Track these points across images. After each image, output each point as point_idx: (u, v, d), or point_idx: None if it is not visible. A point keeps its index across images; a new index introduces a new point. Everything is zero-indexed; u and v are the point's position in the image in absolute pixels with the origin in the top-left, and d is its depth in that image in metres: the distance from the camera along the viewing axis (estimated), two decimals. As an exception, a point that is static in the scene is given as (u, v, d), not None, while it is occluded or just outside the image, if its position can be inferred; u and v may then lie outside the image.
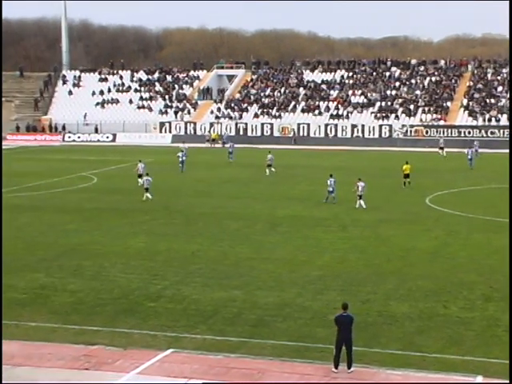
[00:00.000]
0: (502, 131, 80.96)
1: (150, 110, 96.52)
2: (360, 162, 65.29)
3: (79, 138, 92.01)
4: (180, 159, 58.50)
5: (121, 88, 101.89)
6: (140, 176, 47.75)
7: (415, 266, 27.64)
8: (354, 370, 17.68)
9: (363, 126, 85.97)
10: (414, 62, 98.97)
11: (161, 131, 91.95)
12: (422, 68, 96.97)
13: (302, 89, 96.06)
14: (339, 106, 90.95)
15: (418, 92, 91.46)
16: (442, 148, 71.67)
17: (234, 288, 24.62)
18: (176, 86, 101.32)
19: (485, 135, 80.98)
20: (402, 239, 32.39)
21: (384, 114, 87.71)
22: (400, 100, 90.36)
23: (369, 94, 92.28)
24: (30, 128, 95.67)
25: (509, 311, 21.72)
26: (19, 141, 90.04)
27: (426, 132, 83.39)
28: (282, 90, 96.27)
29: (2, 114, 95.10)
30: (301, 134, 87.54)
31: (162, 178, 54.02)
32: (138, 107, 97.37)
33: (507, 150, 72.29)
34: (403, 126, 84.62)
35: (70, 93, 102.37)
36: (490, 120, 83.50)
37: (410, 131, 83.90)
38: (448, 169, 58.12)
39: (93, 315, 21.89)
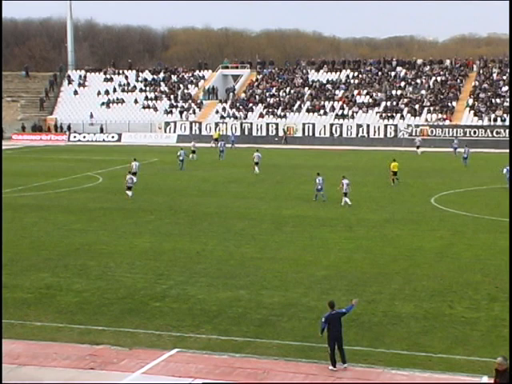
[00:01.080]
0: (507, 131, 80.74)
1: (156, 109, 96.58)
2: (365, 162, 65.26)
3: (84, 137, 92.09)
4: (180, 158, 59.07)
5: (126, 88, 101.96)
6: (135, 174, 48.70)
7: (421, 266, 27.61)
8: (349, 364, 17.88)
9: (368, 125, 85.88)
10: (419, 61, 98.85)
11: (166, 131, 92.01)
12: (427, 68, 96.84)
13: (307, 89, 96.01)
14: (344, 105, 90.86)
15: (423, 92, 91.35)
16: (418, 147, 73.93)
17: (239, 288, 24.62)
18: (181, 85, 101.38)
19: (490, 135, 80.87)
20: (408, 239, 32.37)
21: (389, 114, 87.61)
22: (405, 100, 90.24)
23: (374, 94, 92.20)
24: (36, 128, 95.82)
25: (509, 311, 21.69)
26: (25, 140, 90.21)
27: (432, 132, 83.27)
28: (287, 90, 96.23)
29: (8, 114, 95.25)
30: (306, 133, 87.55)
31: (167, 177, 54.14)
32: (144, 107, 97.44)
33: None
34: (408, 125, 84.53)
35: (76, 93, 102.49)
36: (495, 120, 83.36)
37: (416, 131, 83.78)
38: (453, 169, 58.09)
39: (98, 315, 21.92)
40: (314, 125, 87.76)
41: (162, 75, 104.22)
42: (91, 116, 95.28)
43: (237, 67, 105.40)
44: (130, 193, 43.65)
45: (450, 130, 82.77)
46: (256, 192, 46.75)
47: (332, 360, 17.87)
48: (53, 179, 52.77)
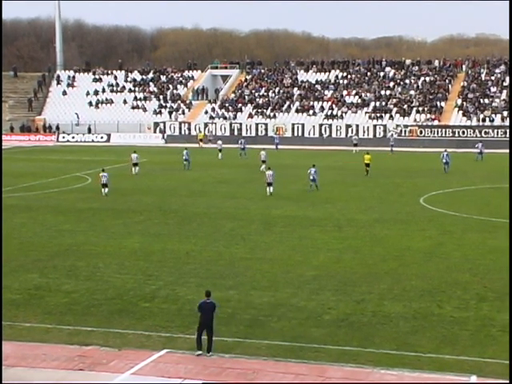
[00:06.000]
0: (496, 131, 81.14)
1: (145, 110, 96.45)
2: (354, 162, 65.26)
3: (73, 138, 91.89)
4: (184, 157, 59.64)
5: (115, 88, 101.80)
6: (135, 165, 55.05)
7: (410, 265, 27.66)
8: (213, 354, 18.55)
9: (357, 126, 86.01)
10: (408, 62, 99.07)
11: (155, 131, 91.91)
12: (416, 68, 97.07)
13: (296, 89, 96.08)
14: (333, 106, 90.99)
15: (412, 92, 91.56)
16: (355, 145, 76.64)
17: (228, 288, 24.61)
18: (170, 86, 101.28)
19: (479, 135, 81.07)
20: (397, 239, 32.42)
21: (378, 114, 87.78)
22: (394, 100, 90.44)
23: (363, 94, 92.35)
24: (24, 128, 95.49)
25: (509, 312, 21.73)
26: (13, 141, 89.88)
27: (420, 132, 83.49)
28: (277, 90, 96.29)
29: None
30: (295, 134, 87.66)
31: (156, 177, 54.08)
32: (133, 107, 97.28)
33: (501, 150, 72.56)
34: (397, 126, 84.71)
35: (64, 93, 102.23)
36: (484, 120, 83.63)
37: (405, 131, 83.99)
38: (442, 169, 58.12)
39: (87, 316, 21.87)
40: (303, 125, 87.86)
41: (151, 75, 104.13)
42: (77, 116, 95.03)
43: (226, 67, 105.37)
44: (104, 190, 44.60)
45: (439, 130, 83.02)
46: (245, 192, 46.75)
47: (197, 345, 18.70)
48: (41, 180, 52.63)
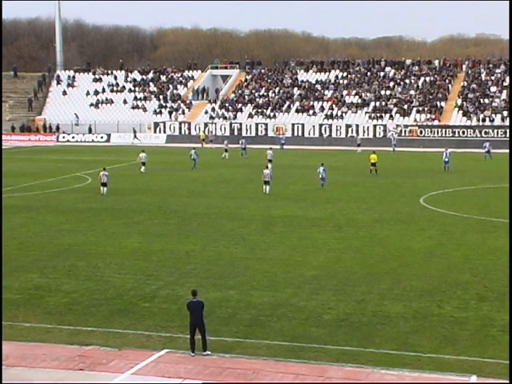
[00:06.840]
0: (496, 131, 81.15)
1: (145, 110, 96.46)
2: (354, 163, 65.35)
3: (73, 138, 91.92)
4: (192, 157, 60.15)
5: (115, 88, 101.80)
6: (143, 164, 56.48)
7: (410, 265, 27.66)
8: (210, 352, 18.59)
9: (357, 126, 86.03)
10: (408, 62, 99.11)
11: (155, 131, 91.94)
12: (416, 68, 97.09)
13: (296, 89, 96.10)
14: (333, 106, 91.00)
15: (412, 92, 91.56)
16: (359, 145, 77.45)
17: (228, 288, 24.62)
18: (170, 86, 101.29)
19: (479, 135, 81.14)
20: (397, 239, 32.41)
21: (378, 114, 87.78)
22: (394, 100, 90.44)
23: (363, 94, 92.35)
24: (25, 128, 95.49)
25: (509, 312, 21.72)
26: (13, 141, 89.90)
27: (421, 132, 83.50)
28: (277, 90, 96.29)
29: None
30: (295, 134, 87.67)
31: (156, 177, 54.07)
32: (133, 107, 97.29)
33: (501, 150, 72.55)
34: (397, 126, 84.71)
35: (64, 93, 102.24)
36: (484, 120, 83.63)
37: (405, 131, 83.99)
38: (442, 169, 58.14)
39: (87, 315, 21.86)
40: (303, 125, 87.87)
41: (151, 75, 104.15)
42: (76, 117, 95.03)
43: (226, 67, 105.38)
44: (103, 189, 45.10)
45: (439, 130, 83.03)
46: (245, 192, 46.75)
47: (191, 346, 18.71)
48: (41, 180, 52.62)
